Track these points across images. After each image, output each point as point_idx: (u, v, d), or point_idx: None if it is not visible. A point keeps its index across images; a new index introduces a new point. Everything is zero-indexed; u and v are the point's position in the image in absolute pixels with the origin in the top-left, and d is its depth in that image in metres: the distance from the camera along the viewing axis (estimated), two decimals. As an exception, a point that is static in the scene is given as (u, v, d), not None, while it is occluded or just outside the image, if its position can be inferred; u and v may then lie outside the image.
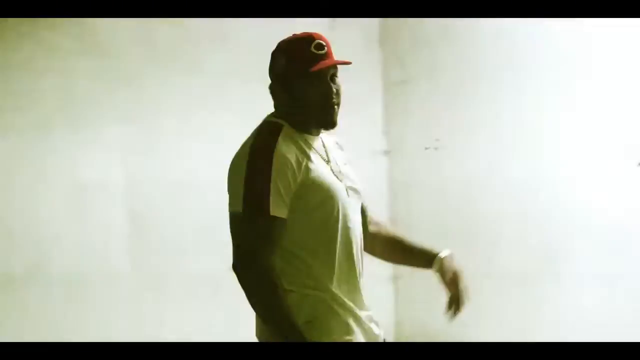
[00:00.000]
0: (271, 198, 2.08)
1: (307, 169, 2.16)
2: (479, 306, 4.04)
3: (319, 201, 2.16)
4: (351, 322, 2.19)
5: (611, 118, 3.72)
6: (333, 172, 2.24)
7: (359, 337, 2.20)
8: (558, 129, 3.91)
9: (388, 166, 4.66)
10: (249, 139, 2.20)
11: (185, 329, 3.80)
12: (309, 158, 2.18)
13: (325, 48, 2.22)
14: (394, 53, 4.62)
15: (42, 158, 3.52)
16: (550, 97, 3.94)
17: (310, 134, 2.25)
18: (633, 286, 3.67)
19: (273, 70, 2.27)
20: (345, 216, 2.21)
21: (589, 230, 3.80)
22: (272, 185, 2.09)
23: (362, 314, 2.24)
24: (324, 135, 2.32)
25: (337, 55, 2.25)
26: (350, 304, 2.21)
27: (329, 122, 2.24)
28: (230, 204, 2.16)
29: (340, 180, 2.24)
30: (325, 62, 2.20)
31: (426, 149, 4.46)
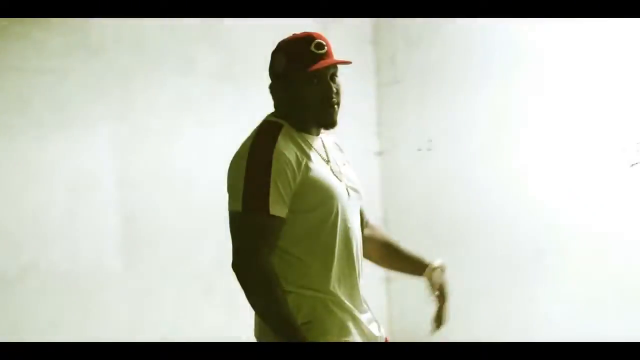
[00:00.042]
0: (271, 197, 2.09)
1: (307, 169, 2.15)
2: (469, 305, 4.09)
3: (318, 201, 2.16)
4: (349, 323, 2.19)
5: (604, 118, 3.73)
6: (333, 172, 2.23)
7: (356, 339, 2.19)
8: (550, 129, 3.92)
9: (380, 167, 4.66)
10: (248, 138, 2.20)
11: (178, 328, 3.79)
12: (308, 158, 2.18)
13: (326, 48, 2.22)
14: (386, 54, 4.62)
15: (34, 158, 3.50)
16: (541, 97, 3.95)
17: (310, 133, 2.25)
18: (624, 286, 3.68)
19: (273, 70, 2.27)
20: (345, 216, 2.21)
21: (581, 229, 3.81)
22: (271, 185, 2.09)
23: (362, 315, 2.24)
24: (324, 135, 2.32)
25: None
26: (349, 304, 2.21)
27: (329, 122, 2.24)
28: (230, 203, 2.16)
29: (340, 180, 2.24)
30: (325, 62, 2.20)
31: (419, 149, 4.47)
